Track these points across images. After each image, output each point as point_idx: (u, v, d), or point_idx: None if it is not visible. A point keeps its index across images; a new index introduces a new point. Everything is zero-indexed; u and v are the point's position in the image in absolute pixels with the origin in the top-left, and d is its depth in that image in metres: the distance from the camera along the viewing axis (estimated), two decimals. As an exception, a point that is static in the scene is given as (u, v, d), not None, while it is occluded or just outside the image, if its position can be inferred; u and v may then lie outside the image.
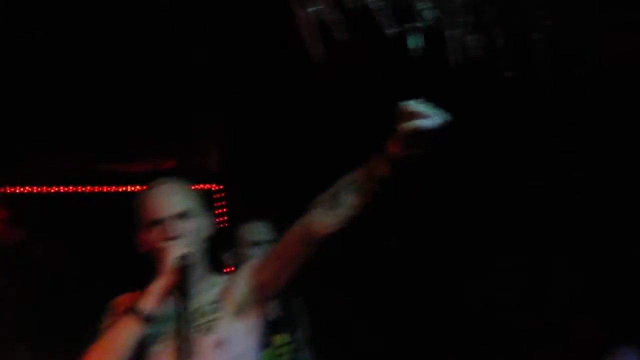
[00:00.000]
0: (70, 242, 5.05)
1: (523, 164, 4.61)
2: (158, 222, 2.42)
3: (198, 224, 2.47)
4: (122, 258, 3.26)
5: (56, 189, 5.37)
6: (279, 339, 3.21)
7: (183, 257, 2.34)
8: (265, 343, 3.07)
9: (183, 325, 2.26)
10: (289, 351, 3.20)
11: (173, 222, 2.41)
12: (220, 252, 3.37)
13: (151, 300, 2.33)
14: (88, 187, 5.47)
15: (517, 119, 4.45)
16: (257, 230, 3.38)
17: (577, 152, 4.37)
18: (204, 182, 5.74)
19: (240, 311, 2.42)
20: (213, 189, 5.72)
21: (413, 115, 1.97)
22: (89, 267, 4.98)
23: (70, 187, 5.40)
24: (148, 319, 2.31)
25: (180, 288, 2.30)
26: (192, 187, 2.57)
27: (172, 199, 2.45)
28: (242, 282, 2.44)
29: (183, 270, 2.32)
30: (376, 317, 4.78)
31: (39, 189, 5.35)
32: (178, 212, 2.42)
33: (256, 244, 3.32)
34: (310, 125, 4.68)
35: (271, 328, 3.14)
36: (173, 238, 2.38)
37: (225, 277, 2.53)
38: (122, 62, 4.13)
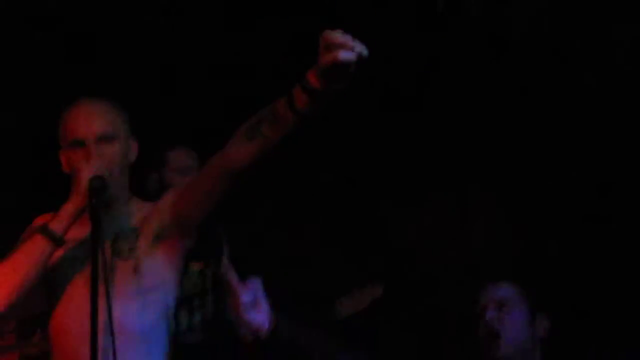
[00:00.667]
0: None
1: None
2: (79, 143, 2.35)
3: (122, 148, 2.40)
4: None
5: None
6: (194, 266, 3.23)
7: (98, 179, 2.25)
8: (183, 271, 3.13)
9: (96, 250, 2.17)
10: (204, 280, 3.24)
11: (94, 144, 2.33)
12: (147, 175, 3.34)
13: (62, 221, 2.25)
14: None
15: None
16: (183, 157, 3.35)
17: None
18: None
19: (160, 239, 2.37)
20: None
21: (335, 46, 1.83)
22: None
23: None
24: (57, 241, 2.26)
25: (93, 211, 2.22)
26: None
27: (95, 119, 2.36)
28: (162, 210, 2.39)
29: (97, 193, 2.23)
30: (304, 250, 4.82)
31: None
32: (101, 133, 2.34)
33: (181, 170, 3.30)
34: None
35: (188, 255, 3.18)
36: (90, 160, 2.30)
37: (149, 204, 2.49)
38: None
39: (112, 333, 2.13)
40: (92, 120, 2.35)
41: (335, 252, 4.72)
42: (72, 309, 2.33)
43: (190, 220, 2.37)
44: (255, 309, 2.42)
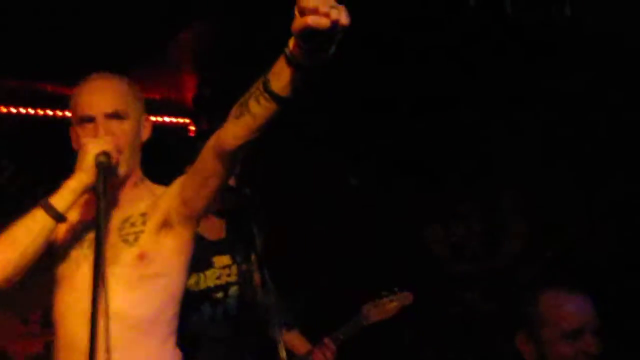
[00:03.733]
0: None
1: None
2: (88, 119, 2.26)
3: (133, 127, 2.31)
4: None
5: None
6: (220, 260, 3.18)
7: (103, 156, 2.15)
8: (207, 264, 3.08)
9: (98, 231, 2.05)
10: (233, 272, 3.17)
11: (103, 121, 2.25)
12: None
13: (63, 197, 2.16)
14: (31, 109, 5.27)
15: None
16: None
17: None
18: (177, 116, 5.66)
19: (166, 227, 2.28)
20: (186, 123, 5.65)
21: (307, 11, 1.63)
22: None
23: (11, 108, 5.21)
24: (58, 217, 2.16)
25: (97, 189, 2.12)
26: (134, 86, 2.38)
27: (105, 96, 2.28)
28: (168, 197, 2.29)
29: (101, 170, 2.13)
30: (332, 250, 4.77)
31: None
32: (110, 111, 2.26)
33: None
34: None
35: (214, 250, 3.12)
36: (98, 136, 2.22)
37: (161, 188, 2.39)
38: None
39: (106, 318, 2.08)
40: (102, 96, 2.28)
41: (365, 257, 4.67)
42: (75, 293, 2.25)
43: (194, 206, 2.25)
44: None
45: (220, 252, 3.15)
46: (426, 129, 4.68)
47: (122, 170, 2.27)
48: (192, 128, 5.59)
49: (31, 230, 2.14)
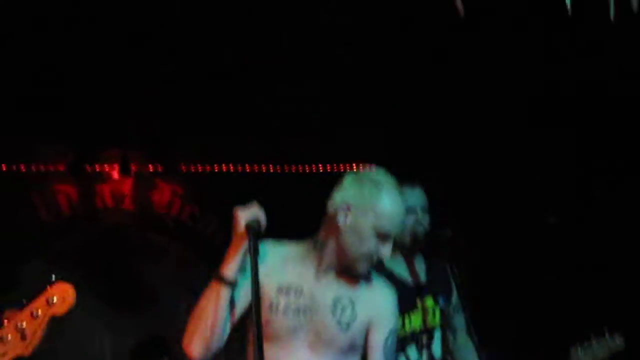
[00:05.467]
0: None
1: None
2: None
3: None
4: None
5: (223, 167, 5.55)
6: (424, 303, 3.13)
7: (252, 221, 2.34)
8: (413, 306, 3.06)
9: (255, 291, 2.25)
10: (436, 314, 3.11)
11: None
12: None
13: (228, 264, 2.36)
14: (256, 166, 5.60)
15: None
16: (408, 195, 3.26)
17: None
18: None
19: (372, 324, 2.46)
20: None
21: None
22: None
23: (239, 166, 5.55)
24: (228, 282, 2.35)
25: (250, 252, 2.29)
26: None
27: None
28: (388, 312, 2.52)
29: (251, 233, 2.31)
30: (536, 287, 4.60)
31: (211, 168, 5.57)
32: None
33: (408, 209, 3.21)
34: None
35: (418, 292, 3.10)
36: (248, 206, 2.40)
37: (371, 280, 2.52)
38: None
39: None
40: None
41: (567, 299, 4.48)
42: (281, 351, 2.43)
43: None
44: None
45: (424, 295, 3.11)
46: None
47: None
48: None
49: (212, 302, 2.36)
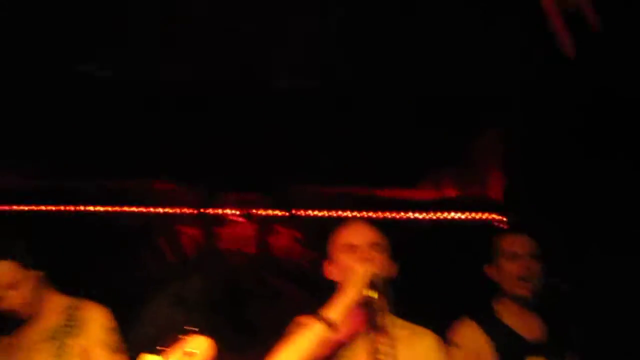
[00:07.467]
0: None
1: None
2: (355, 247, 2.66)
3: (387, 261, 2.67)
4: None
5: (342, 214, 5.64)
6: None
7: (374, 276, 2.48)
8: None
9: (374, 338, 2.36)
10: None
11: (369, 249, 2.65)
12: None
13: (337, 310, 2.48)
14: (372, 213, 5.66)
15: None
16: (516, 242, 3.20)
17: None
18: (485, 211, 5.68)
19: None
20: (494, 219, 5.64)
21: None
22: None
23: (356, 212, 5.63)
24: (333, 327, 2.46)
25: (373, 304, 2.43)
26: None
27: (369, 230, 2.72)
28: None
29: (376, 288, 2.46)
30: None
31: (328, 213, 5.67)
32: (373, 241, 2.67)
33: (514, 256, 3.15)
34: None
35: (529, 350, 3.00)
36: (365, 259, 2.58)
37: (403, 325, 2.65)
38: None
39: None
40: (367, 229, 2.73)
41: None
42: None
43: None
44: None
45: (536, 354, 3.01)
46: None
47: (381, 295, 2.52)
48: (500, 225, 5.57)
49: (311, 340, 2.49)
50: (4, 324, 3.06)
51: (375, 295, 2.45)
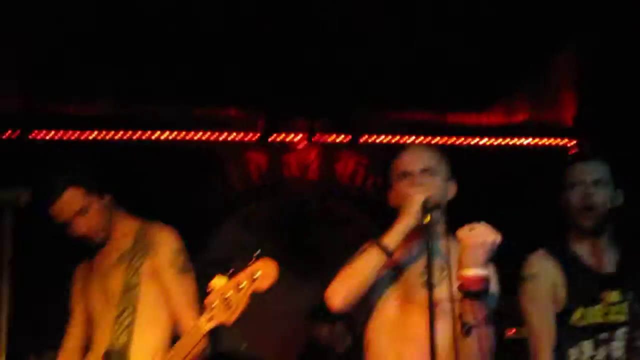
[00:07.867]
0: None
1: None
2: (405, 174, 2.67)
3: (441, 184, 2.67)
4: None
5: (405, 139, 5.59)
6: (611, 296, 2.94)
7: (430, 200, 2.51)
8: (594, 299, 2.86)
9: (429, 267, 2.39)
10: (622, 310, 2.91)
11: (420, 174, 2.65)
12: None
13: (393, 236, 2.55)
14: (438, 138, 5.60)
15: None
16: (576, 170, 3.07)
17: None
18: (556, 137, 5.55)
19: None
20: (566, 144, 5.51)
21: None
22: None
23: (421, 137, 5.57)
24: (388, 253, 2.54)
25: (428, 228, 2.46)
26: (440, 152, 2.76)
27: (422, 156, 2.71)
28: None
29: (430, 211, 2.49)
30: None
31: (392, 139, 5.64)
32: (426, 166, 2.67)
33: (576, 184, 3.01)
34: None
35: (603, 283, 2.88)
36: (419, 185, 2.61)
37: (455, 245, 2.54)
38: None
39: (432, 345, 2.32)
40: (419, 155, 2.73)
41: None
42: (384, 321, 2.66)
43: None
44: None
45: (610, 287, 2.88)
46: None
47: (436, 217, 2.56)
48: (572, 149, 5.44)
49: (369, 264, 2.57)
50: (84, 251, 3.14)
51: (428, 219, 2.47)
